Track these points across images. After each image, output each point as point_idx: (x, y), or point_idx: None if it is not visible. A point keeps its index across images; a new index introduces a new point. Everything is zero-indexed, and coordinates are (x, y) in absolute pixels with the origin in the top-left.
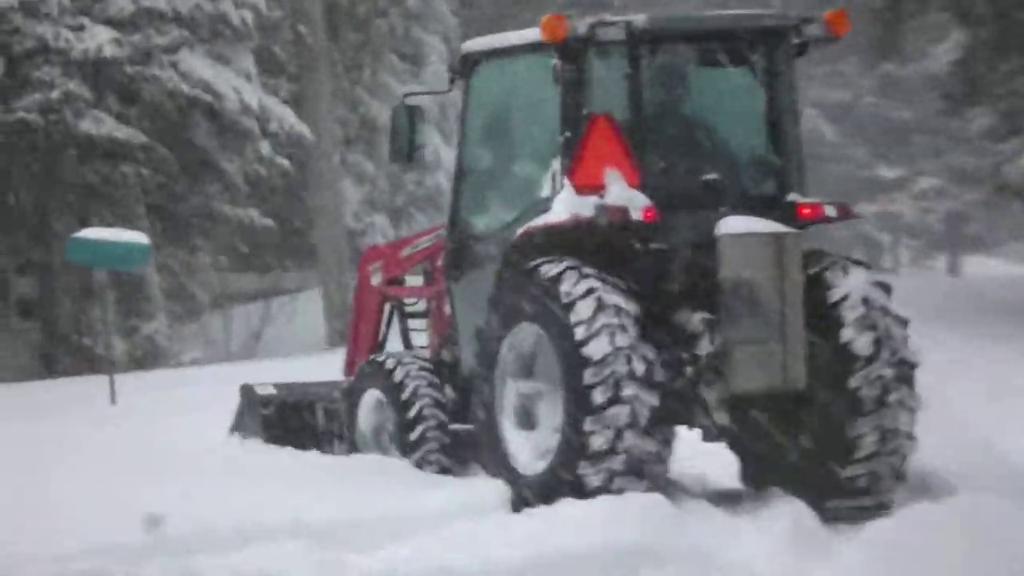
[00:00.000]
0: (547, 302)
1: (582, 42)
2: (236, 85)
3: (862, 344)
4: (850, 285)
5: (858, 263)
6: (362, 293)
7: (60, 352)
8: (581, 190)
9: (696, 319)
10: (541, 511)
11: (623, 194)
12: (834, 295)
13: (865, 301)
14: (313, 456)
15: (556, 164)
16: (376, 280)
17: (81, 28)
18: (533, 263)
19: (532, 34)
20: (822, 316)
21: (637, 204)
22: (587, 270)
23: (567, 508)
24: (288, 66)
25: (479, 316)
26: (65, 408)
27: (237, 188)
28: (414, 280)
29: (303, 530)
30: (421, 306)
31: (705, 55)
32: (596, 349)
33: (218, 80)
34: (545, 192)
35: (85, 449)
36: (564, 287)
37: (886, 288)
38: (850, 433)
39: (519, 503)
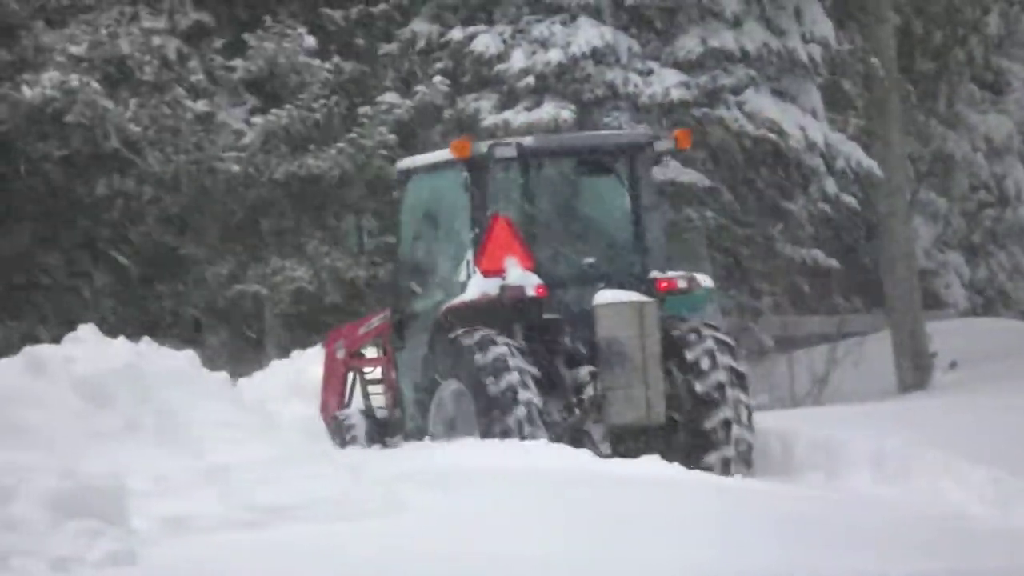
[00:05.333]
0: (466, 365)
1: (484, 159)
2: (802, 123)
3: (702, 362)
4: (702, 343)
5: (708, 325)
6: (330, 364)
7: None
8: (487, 274)
9: (584, 371)
10: None
11: (520, 276)
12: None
13: (708, 341)
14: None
15: (469, 255)
16: (341, 354)
17: (650, 72)
18: (454, 334)
19: (446, 153)
20: (680, 364)
21: (531, 283)
22: (497, 339)
23: None
24: (856, 100)
25: (416, 376)
26: None
27: (801, 228)
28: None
29: None
30: (378, 374)
31: (581, 166)
32: (497, 389)
33: (784, 118)
34: (462, 277)
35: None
36: (477, 355)
37: (728, 345)
38: (704, 427)
39: None
